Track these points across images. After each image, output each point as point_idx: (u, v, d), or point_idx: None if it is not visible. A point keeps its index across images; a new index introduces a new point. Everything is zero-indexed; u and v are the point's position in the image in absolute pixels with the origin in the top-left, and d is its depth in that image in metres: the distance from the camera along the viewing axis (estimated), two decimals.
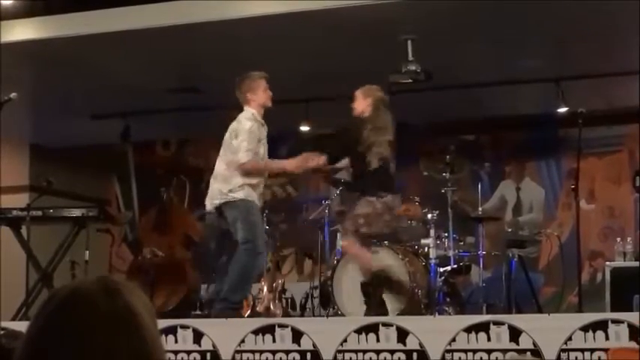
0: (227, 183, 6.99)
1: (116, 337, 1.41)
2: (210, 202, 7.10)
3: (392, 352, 5.96)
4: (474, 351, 5.82)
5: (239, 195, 6.95)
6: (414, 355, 5.90)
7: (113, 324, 1.42)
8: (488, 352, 5.80)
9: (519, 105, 10.39)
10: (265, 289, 8.94)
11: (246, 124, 6.96)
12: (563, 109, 9.30)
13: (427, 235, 8.25)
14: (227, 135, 7.06)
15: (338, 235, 8.54)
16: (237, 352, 6.29)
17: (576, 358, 5.64)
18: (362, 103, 6.92)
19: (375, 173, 6.71)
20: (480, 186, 9.09)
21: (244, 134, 6.92)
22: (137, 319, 1.45)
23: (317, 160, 7.15)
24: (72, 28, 8.13)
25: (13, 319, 7.73)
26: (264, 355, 6.23)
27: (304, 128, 10.26)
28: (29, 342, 1.45)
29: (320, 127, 10.22)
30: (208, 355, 6.37)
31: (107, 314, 1.42)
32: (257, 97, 7.06)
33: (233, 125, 7.03)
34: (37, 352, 1.43)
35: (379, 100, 6.89)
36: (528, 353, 5.61)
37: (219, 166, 7.08)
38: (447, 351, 5.85)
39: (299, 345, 6.17)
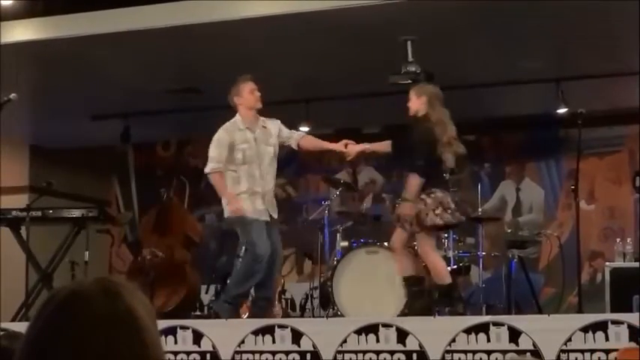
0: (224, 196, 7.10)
1: (116, 339, 1.41)
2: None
3: (392, 352, 5.96)
4: (474, 352, 5.83)
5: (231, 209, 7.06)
6: (414, 355, 5.90)
7: (113, 326, 1.42)
8: (488, 352, 5.80)
9: (519, 105, 10.38)
10: None
11: (217, 134, 7.09)
12: (563, 110, 9.30)
13: None
14: None
15: (338, 235, 8.54)
16: (236, 352, 6.29)
17: (576, 358, 5.65)
18: (416, 102, 6.91)
19: (426, 172, 6.75)
20: (479, 186, 9.09)
21: (211, 144, 7.08)
22: (137, 321, 1.44)
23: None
24: (72, 28, 8.13)
25: (13, 320, 7.73)
26: (263, 356, 6.23)
27: (304, 129, 10.24)
28: (29, 343, 1.45)
29: (320, 127, 10.22)
30: (208, 356, 6.37)
31: (107, 316, 1.42)
32: (243, 99, 7.11)
33: None
34: (37, 353, 1.43)
35: (433, 97, 6.89)
36: (528, 354, 5.61)
37: None
38: (447, 352, 5.85)
39: (299, 346, 6.17)
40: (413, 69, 7.68)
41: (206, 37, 8.08)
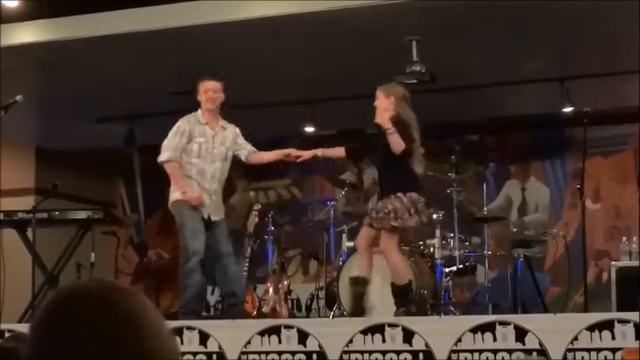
0: (172, 184, 7.08)
1: (120, 337, 1.42)
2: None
3: (398, 352, 5.96)
4: (480, 351, 5.82)
5: (174, 196, 7.02)
6: (420, 355, 5.90)
7: (116, 325, 1.42)
8: (494, 352, 5.80)
9: (524, 105, 10.38)
10: (271, 290, 8.95)
11: (178, 122, 7.06)
12: (568, 109, 9.29)
13: (433, 236, 8.25)
14: None
15: (343, 235, 8.56)
16: (243, 353, 6.29)
17: (582, 358, 5.63)
18: (384, 102, 6.90)
19: (404, 173, 6.74)
20: (485, 186, 9.09)
21: (170, 132, 7.04)
22: (139, 318, 1.45)
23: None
24: (77, 30, 8.14)
25: (19, 322, 7.74)
26: (270, 356, 6.23)
27: (309, 129, 10.27)
28: (33, 347, 1.45)
29: (324, 128, 10.24)
30: (214, 357, 6.38)
31: (110, 316, 1.43)
32: (200, 97, 7.09)
33: None
34: (43, 356, 1.43)
35: (402, 97, 6.88)
36: (534, 353, 5.61)
37: None
38: (453, 351, 5.85)
39: (305, 346, 6.17)
40: (418, 69, 7.68)
41: (210, 38, 8.09)
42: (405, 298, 6.82)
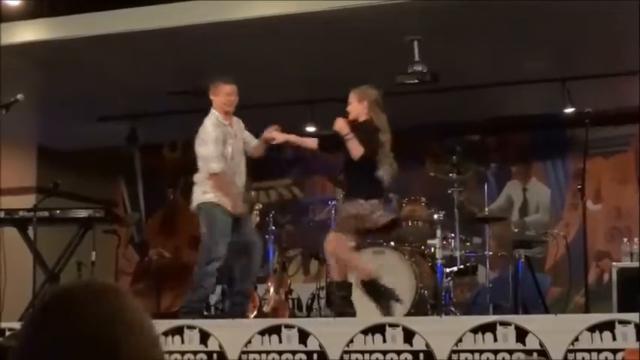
0: (201, 186, 7.08)
1: (110, 336, 1.42)
2: (193, 205, 7.21)
3: (398, 352, 5.96)
4: (481, 351, 5.82)
5: (206, 197, 7.03)
6: (421, 355, 5.90)
7: (106, 324, 1.43)
8: (495, 352, 5.79)
9: (526, 105, 10.38)
10: (272, 290, 8.96)
11: (209, 129, 7.01)
12: (569, 110, 9.29)
13: (434, 236, 8.26)
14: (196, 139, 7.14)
15: None
16: (243, 352, 6.29)
17: (583, 358, 5.63)
18: (357, 107, 6.89)
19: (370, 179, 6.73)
20: (486, 186, 9.09)
21: (211, 142, 6.98)
22: (129, 317, 1.45)
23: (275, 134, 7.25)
24: (79, 29, 8.14)
25: (20, 320, 7.74)
26: (270, 356, 6.23)
27: (309, 129, 10.26)
28: (24, 343, 1.46)
29: (324, 128, 10.22)
30: (215, 356, 6.37)
31: (100, 314, 1.43)
32: (217, 98, 7.09)
33: (200, 130, 7.08)
34: (26, 356, 1.44)
35: (375, 101, 6.87)
36: (535, 354, 5.61)
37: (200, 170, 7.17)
38: (454, 351, 5.85)
39: (305, 346, 6.17)
40: (419, 69, 7.68)
41: (212, 37, 8.09)
42: (377, 291, 6.80)
